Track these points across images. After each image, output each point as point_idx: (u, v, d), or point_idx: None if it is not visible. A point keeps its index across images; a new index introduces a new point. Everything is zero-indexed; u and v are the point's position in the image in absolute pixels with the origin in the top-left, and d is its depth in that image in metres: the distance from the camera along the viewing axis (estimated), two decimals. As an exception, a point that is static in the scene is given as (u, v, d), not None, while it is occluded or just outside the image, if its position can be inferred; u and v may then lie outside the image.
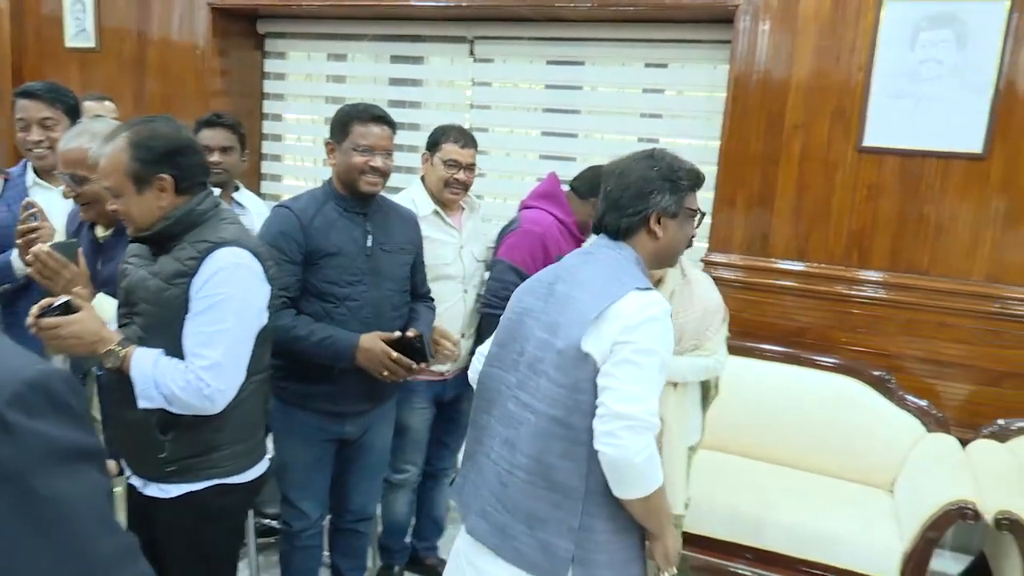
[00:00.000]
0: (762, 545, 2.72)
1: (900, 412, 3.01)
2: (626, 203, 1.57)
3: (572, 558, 1.53)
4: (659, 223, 1.58)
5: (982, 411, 3.03)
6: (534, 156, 4.01)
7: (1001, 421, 2.96)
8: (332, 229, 2.17)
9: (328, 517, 2.50)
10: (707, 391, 2.63)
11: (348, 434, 2.32)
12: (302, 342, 2.11)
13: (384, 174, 2.20)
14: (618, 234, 1.60)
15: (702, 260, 3.42)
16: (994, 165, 2.99)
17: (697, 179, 1.64)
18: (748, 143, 3.33)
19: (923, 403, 3.02)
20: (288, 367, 2.19)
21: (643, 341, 1.47)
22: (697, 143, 3.62)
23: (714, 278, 2.64)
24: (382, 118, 2.20)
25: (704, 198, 3.53)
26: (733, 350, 3.28)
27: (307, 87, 4.51)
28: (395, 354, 2.12)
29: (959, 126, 3.02)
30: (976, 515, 2.42)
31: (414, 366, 2.16)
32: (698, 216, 1.66)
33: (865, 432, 3.00)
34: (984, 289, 3.04)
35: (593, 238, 1.68)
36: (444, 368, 2.58)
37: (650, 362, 1.47)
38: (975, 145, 3.01)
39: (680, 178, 1.59)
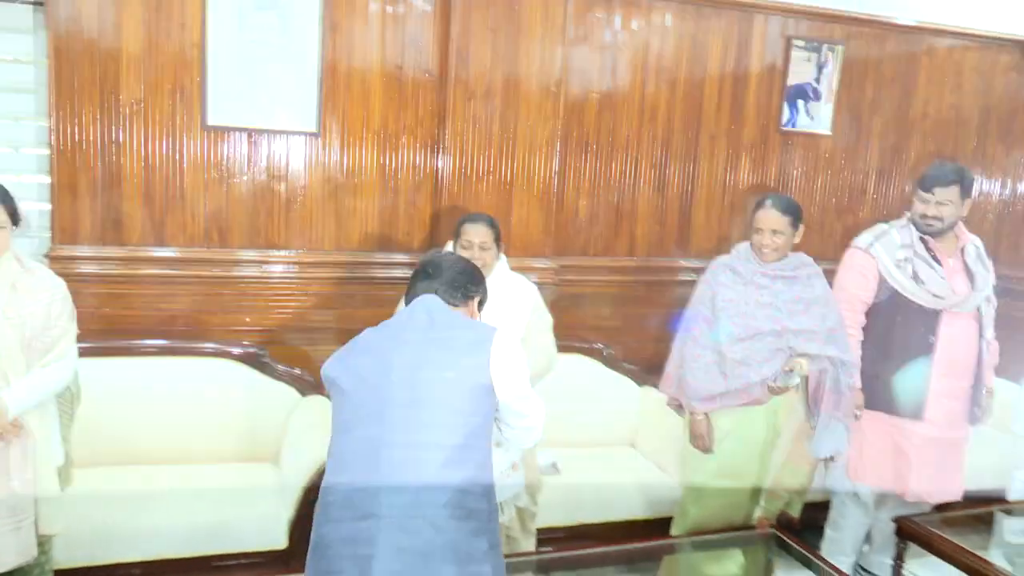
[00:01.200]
0: (147, 557, 2.52)
1: (275, 383, 3.10)
2: (463, 282, 1.93)
3: None
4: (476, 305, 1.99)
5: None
6: None
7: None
8: None
9: None
10: (69, 400, 2.36)
11: None
12: None
13: None
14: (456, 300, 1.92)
15: (47, 256, 2.98)
16: (327, 141, 3.25)
17: None
18: (84, 122, 2.98)
19: (297, 371, 3.18)
20: None
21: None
22: (22, 123, 3.11)
23: (63, 274, 2.31)
24: None
25: (40, 184, 3.11)
26: (102, 352, 2.97)
27: None
28: None
29: (295, 106, 3.20)
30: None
31: None
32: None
33: (244, 410, 3.01)
34: (335, 258, 3.31)
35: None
36: None
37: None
38: (311, 124, 3.22)
39: None
